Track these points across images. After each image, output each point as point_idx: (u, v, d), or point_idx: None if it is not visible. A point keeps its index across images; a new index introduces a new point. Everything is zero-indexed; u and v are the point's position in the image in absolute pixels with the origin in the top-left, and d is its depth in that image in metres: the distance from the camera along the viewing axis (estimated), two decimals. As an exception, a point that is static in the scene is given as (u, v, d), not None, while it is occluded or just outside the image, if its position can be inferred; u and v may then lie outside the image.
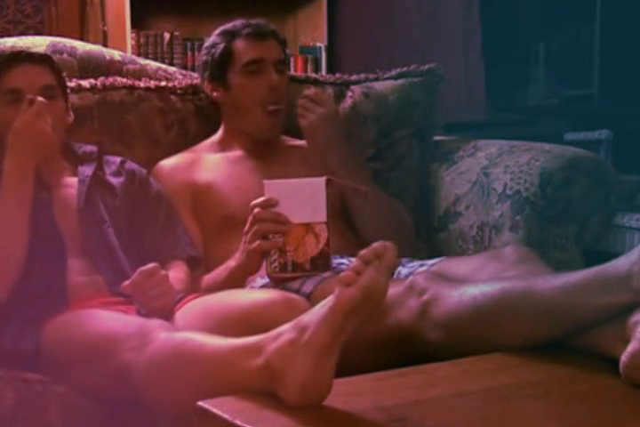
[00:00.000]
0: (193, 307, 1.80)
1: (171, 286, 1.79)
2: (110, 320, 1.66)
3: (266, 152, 2.24)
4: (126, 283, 1.75)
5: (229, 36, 2.22)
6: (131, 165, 2.10)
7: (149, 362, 1.48)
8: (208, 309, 1.73)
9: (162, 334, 1.51)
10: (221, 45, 2.22)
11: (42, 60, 1.98)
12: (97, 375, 1.61)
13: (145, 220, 2.03)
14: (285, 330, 1.37)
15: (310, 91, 2.27)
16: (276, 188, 1.86)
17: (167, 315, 1.75)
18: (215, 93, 2.26)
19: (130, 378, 1.50)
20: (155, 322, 1.58)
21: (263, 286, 1.91)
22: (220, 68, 2.23)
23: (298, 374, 1.31)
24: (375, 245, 1.35)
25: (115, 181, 2.03)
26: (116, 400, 1.60)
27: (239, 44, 2.21)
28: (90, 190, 1.96)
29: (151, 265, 1.77)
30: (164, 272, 1.78)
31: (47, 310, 1.76)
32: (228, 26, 2.24)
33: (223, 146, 2.27)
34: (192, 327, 1.68)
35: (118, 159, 2.10)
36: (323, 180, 1.87)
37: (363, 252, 1.35)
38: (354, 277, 1.32)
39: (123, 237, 1.95)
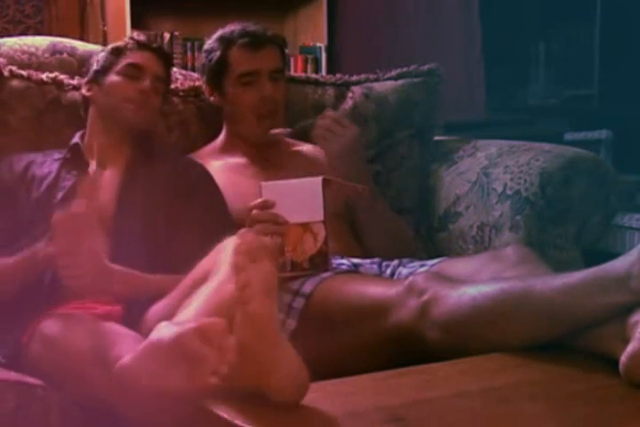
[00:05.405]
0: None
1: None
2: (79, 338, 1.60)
3: (268, 157, 2.24)
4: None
5: (225, 43, 2.20)
6: (189, 160, 2.12)
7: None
8: None
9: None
10: (217, 53, 2.20)
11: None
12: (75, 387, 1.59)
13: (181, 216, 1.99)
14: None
15: (331, 113, 2.25)
16: (272, 189, 1.86)
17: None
18: (212, 98, 2.27)
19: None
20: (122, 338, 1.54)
21: None
22: (216, 75, 2.22)
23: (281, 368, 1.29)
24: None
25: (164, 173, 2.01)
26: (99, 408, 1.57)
27: (234, 54, 2.19)
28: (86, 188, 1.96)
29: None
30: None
31: (31, 311, 1.75)
32: (226, 31, 2.22)
33: (225, 151, 2.26)
34: None
35: (179, 155, 2.12)
36: (319, 179, 1.87)
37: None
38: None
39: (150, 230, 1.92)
